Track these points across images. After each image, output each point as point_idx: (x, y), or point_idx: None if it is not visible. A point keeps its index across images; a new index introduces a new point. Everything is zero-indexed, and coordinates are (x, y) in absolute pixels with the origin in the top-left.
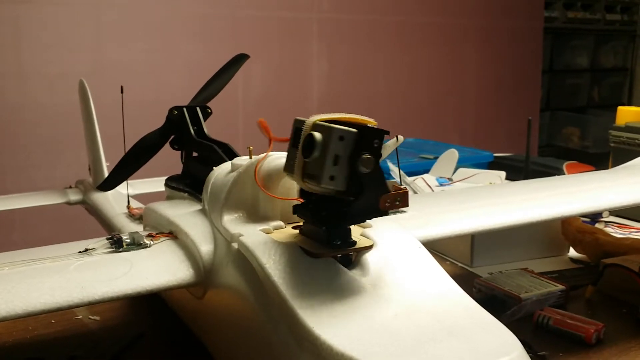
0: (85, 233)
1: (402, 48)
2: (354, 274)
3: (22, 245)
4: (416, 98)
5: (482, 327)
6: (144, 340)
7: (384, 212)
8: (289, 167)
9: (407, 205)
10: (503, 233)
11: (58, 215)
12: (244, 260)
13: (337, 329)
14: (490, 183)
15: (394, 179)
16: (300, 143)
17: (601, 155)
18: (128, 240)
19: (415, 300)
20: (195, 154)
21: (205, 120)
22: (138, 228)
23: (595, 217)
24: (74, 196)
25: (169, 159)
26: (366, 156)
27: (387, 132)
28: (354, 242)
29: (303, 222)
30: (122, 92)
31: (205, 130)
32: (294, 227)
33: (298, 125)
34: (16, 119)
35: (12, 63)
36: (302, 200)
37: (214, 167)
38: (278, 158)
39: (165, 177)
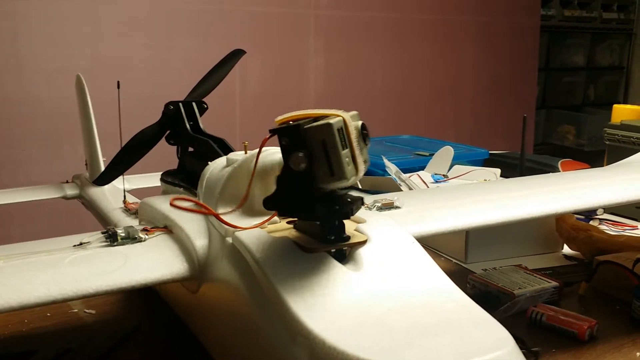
0: (82, 227)
1: (399, 45)
2: (348, 268)
3: (19, 239)
4: (413, 95)
5: (475, 323)
6: (139, 333)
7: None
8: (341, 172)
9: None
10: (497, 230)
11: (55, 209)
12: (238, 255)
13: (330, 324)
14: (485, 180)
15: (389, 175)
16: (352, 139)
17: (596, 153)
18: (123, 234)
19: (409, 295)
20: (191, 149)
21: (201, 115)
22: (134, 223)
23: (589, 214)
24: (71, 191)
25: (165, 154)
26: None
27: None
28: (348, 237)
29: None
30: (118, 87)
31: (201, 125)
32: (288, 222)
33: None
34: (14, 113)
35: (10, 58)
36: None
37: (209, 162)
38: (273, 153)
39: (161, 172)
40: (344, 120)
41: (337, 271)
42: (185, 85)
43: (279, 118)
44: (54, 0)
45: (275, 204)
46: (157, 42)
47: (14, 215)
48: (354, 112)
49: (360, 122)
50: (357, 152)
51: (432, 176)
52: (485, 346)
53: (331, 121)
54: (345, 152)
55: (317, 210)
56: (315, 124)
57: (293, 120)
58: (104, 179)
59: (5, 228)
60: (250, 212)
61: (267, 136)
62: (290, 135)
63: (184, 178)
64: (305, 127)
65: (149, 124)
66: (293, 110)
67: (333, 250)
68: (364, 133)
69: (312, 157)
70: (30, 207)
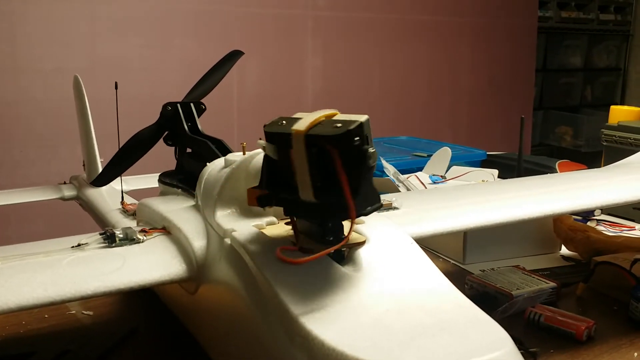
0: (79, 229)
1: (396, 46)
2: (346, 269)
3: (16, 241)
4: (410, 96)
5: (474, 323)
6: (137, 335)
7: None
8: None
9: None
10: (495, 231)
11: (52, 210)
12: (237, 256)
13: (328, 324)
14: (483, 181)
15: (387, 176)
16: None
17: (593, 155)
18: (121, 236)
19: (407, 295)
20: (189, 150)
21: (199, 116)
22: (132, 224)
23: (587, 215)
24: (68, 192)
25: (163, 155)
26: None
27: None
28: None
29: (296, 218)
30: (116, 88)
31: (199, 126)
32: (286, 223)
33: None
34: (11, 114)
35: (7, 58)
36: None
37: (208, 163)
38: None
39: (159, 173)
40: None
41: (336, 272)
42: (182, 86)
43: (304, 127)
44: (51, 0)
45: (365, 207)
46: (154, 42)
47: (11, 216)
48: None
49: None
50: None
51: (430, 177)
52: (483, 347)
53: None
54: None
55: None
56: (363, 120)
57: (322, 123)
58: (102, 180)
59: (2, 229)
60: (249, 213)
61: (332, 150)
62: (360, 135)
63: (182, 179)
64: (362, 123)
65: (146, 125)
66: (292, 111)
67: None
68: None
69: None
70: (28, 209)
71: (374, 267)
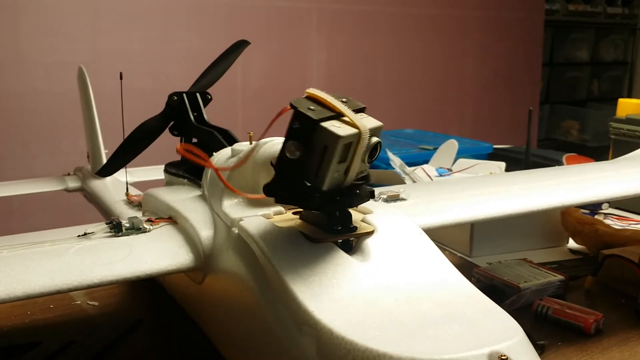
0: (83, 220)
1: (402, 39)
2: (355, 259)
3: (20, 233)
4: (416, 89)
5: (484, 313)
6: (143, 326)
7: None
8: (321, 180)
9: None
10: (502, 223)
11: (56, 202)
12: (244, 245)
13: (337, 314)
14: (491, 173)
15: (393, 168)
16: None
17: (600, 149)
18: (127, 225)
19: (416, 285)
20: (194, 140)
21: (205, 106)
22: (137, 215)
23: (594, 208)
24: (73, 183)
25: (167, 146)
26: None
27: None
28: (355, 228)
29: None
30: (121, 78)
31: (205, 116)
32: (294, 213)
33: None
34: (14, 106)
35: (10, 50)
36: None
37: (214, 153)
38: (278, 143)
39: (164, 164)
40: (360, 135)
41: (344, 261)
42: (186, 78)
43: (313, 91)
44: None
45: (273, 191)
46: (157, 35)
47: (15, 208)
48: (379, 124)
49: (376, 140)
50: (354, 166)
51: (437, 170)
52: (494, 336)
53: (341, 133)
54: (339, 165)
55: (315, 199)
56: (327, 127)
57: (319, 105)
58: (107, 169)
59: (5, 222)
60: (256, 202)
61: (286, 108)
62: (303, 124)
63: (188, 169)
64: (321, 124)
65: (148, 117)
66: None
67: (340, 241)
68: (373, 150)
69: (309, 153)
70: (31, 200)
71: (382, 257)
